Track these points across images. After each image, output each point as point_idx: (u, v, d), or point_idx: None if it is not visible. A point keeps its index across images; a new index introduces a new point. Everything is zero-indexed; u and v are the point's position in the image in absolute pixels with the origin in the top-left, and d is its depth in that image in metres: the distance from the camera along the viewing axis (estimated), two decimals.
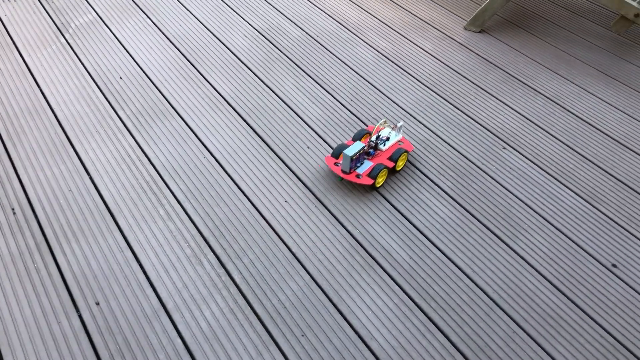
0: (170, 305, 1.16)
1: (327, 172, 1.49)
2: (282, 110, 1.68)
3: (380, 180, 1.44)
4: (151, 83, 1.75)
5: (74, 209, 1.34)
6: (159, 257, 1.25)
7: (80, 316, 1.13)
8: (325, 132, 1.61)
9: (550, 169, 1.55)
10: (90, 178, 1.43)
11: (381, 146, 1.50)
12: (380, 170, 1.42)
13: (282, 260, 1.26)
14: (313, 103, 1.72)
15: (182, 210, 1.36)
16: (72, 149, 1.50)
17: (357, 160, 1.44)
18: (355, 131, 1.62)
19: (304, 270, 1.24)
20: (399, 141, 1.55)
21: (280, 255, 1.27)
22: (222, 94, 1.73)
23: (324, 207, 1.39)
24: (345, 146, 1.49)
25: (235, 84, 1.77)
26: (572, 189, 1.50)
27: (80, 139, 1.54)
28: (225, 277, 1.22)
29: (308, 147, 1.56)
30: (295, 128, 1.62)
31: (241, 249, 1.28)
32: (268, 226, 1.34)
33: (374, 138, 1.50)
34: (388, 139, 1.53)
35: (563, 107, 1.78)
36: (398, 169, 1.49)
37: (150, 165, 1.47)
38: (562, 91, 1.85)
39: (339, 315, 1.16)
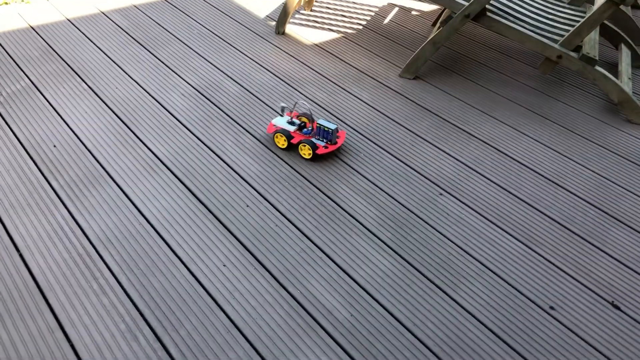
0: None
1: (267, 230, 1.48)
2: (220, 170, 1.67)
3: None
4: (86, 149, 1.72)
5: (1, 289, 1.29)
6: (92, 336, 1.20)
7: None
8: (265, 189, 1.61)
9: (487, 212, 1.58)
10: (20, 255, 1.38)
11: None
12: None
13: (220, 329, 1.23)
14: (253, 160, 1.71)
15: (116, 283, 1.32)
16: (0, 225, 1.45)
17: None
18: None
19: (244, 339, 1.22)
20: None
21: (219, 324, 1.24)
22: (159, 156, 1.71)
23: (263, 269, 1.38)
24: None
25: (173, 145, 1.76)
26: (508, 232, 1.52)
27: (9, 213, 1.49)
28: (162, 352, 1.18)
29: (247, 206, 1.55)
30: (234, 187, 1.61)
31: (178, 320, 1.25)
32: (206, 293, 1.31)
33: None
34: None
35: (497, 149, 1.83)
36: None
37: (84, 237, 1.43)
38: (495, 133, 1.90)
39: None
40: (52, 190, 1.57)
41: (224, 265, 1.38)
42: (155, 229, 1.47)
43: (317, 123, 1.73)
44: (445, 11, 2.35)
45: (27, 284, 1.30)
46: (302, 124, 1.78)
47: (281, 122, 1.79)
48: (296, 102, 1.84)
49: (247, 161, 1.71)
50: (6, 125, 1.80)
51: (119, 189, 1.59)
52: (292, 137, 1.75)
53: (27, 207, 1.51)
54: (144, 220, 1.49)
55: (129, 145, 1.75)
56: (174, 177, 1.64)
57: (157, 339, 1.21)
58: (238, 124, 1.87)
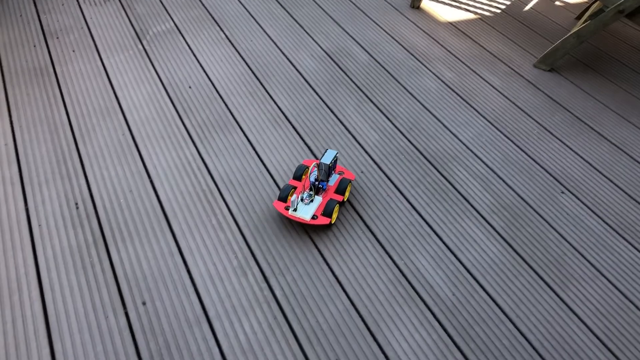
0: (212, 314, 1.19)
1: (379, 199, 1.50)
2: (340, 133, 1.70)
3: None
4: (218, 95, 1.81)
5: (132, 209, 1.40)
6: (207, 265, 1.29)
7: (126, 314, 1.18)
8: (381, 159, 1.62)
9: (609, 218, 1.50)
10: (151, 181, 1.49)
11: (327, 184, 1.46)
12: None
13: (324, 281, 1.27)
14: (372, 129, 1.73)
15: (233, 222, 1.40)
16: (137, 152, 1.57)
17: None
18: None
19: (345, 295, 1.25)
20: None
21: (323, 277, 1.28)
22: (284, 111, 1.77)
23: (371, 234, 1.40)
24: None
25: (298, 103, 1.81)
26: (630, 241, 1.44)
27: (145, 143, 1.61)
28: (267, 292, 1.24)
29: (362, 172, 1.58)
30: (351, 151, 1.64)
31: (286, 266, 1.30)
32: (314, 247, 1.35)
33: (312, 178, 1.46)
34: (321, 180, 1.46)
35: (630, 156, 1.72)
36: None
37: (209, 175, 1.52)
38: (631, 139, 1.79)
39: (376, 345, 1.16)
40: (184, 128, 1.67)
41: (334, 224, 1.42)
42: (274, 180, 1.53)
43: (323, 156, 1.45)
44: (596, 4, 2.21)
45: (155, 209, 1.41)
46: (311, 192, 1.43)
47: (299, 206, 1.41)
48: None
49: (366, 129, 1.73)
50: (150, 63, 1.93)
51: (244, 137, 1.66)
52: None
53: (160, 140, 1.62)
54: (264, 169, 1.56)
55: (257, 97, 1.82)
56: (295, 132, 1.69)
57: (265, 280, 1.27)
58: (362, 91, 1.89)
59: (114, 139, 1.61)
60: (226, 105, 1.78)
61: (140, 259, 1.29)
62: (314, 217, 1.37)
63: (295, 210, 1.37)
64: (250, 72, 1.93)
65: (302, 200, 1.40)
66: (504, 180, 1.59)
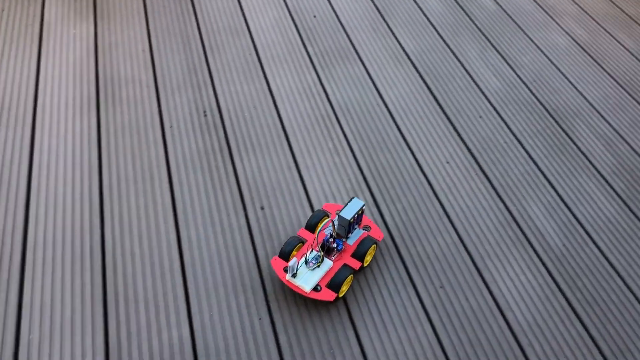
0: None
1: (495, 144, 1.48)
2: (461, 76, 1.68)
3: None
4: (341, 26, 1.83)
5: (256, 124, 1.47)
6: (321, 184, 1.34)
7: (246, 215, 1.25)
8: (500, 106, 1.59)
9: None
10: (274, 100, 1.55)
11: (346, 241, 1.16)
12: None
13: (433, 215, 1.29)
14: (494, 76, 1.70)
15: (348, 147, 1.44)
16: (261, 72, 1.63)
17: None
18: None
19: (454, 230, 1.27)
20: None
21: (433, 211, 1.30)
22: (406, 49, 1.77)
23: (484, 177, 1.39)
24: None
25: (420, 42, 1.80)
26: None
27: (270, 64, 1.66)
28: (377, 217, 1.28)
29: (480, 117, 1.56)
30: (471, 95, 1.62)
31: (396, 195, 1.33)
32: (426, 181, 1.37)
33: (327, 232, 1.15)
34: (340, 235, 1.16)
35: None
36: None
37: (327, 101, 1.56)
38: None
39: (480, 280, 1.18)
40: (306, 55, 1.71)
41: (447, 162, 1.42)
42: (390, 112, 1.54)
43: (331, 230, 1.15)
44: None
45: (276, 126, 1.47)
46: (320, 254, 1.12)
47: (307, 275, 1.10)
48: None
49: (488, 75, 1.70)
50: None
51: (363, 69, 1.68)
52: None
53: (284, 63, 1.67)
54: (381, 101, 1.58)
55: (380, 33, 1.83)
56: (415, 71, 1.69)
57: (375, 204, 1.30)
58: (487, 38, 1.84)
59: (241, 57, 1.68)
60: (348, 37, 1.79)
61: (260, 168, 1.36)
62: (316, 288, 1.08)
63: (294, 275, 1.08)
64: (374, 7, 1.93)
65: (306, 262, 1.09)
66: (629, 144, 1.52)
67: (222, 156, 1.38)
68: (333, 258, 1.13)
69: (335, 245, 1.14)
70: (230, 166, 1.36)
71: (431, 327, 1.09)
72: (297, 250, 1.13)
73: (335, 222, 1.15)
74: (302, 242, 1.14)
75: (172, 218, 1.24)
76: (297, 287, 1.07)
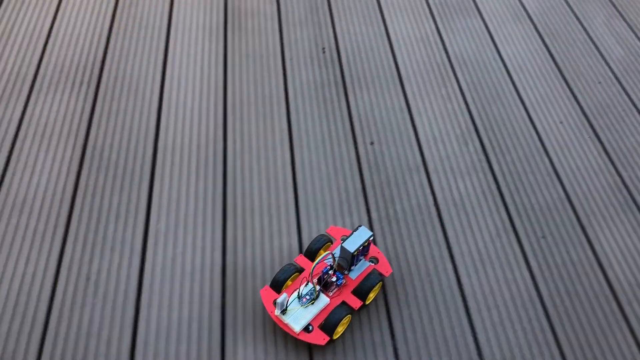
0: (430, 167, 1.28)
1: (613, 111, 1.45)
2: (582, 41, 1.64)
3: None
4: None
5: (372, 64, 1.51)
6: (432, 128, 1.37)
7: (356, 148, 1.31)
8: (622, 74, 1.55)
9: None
10: (390, 44, 1.58)
11: (347, 275, 1.02)
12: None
13: (542, 170, 1.30)
14: (618, 44, 1.64)
15: (461, 96, 1.45)
16: (381, 17, 1.66)
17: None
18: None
19: (561, 187, 1.27)
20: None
21: (542, 166, 1.30)
22: (527, 8, 1.74)
23: (597, 141, 1.37)
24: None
25: (543, 4, 1.76)
26: None
27: (390, 10, 1.69)
28: (485, 164, 1.30)
29: (599, 82, 1.52)
30: (591, 61, 1.58)
31: (506, 147, 1.34)
32: (537, 137, 1.37)
33: (328, 264, 0.99)
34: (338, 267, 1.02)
35: None
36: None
37: (444, 51, 1.57)
38: None
39: (584, 236, 1.18)
40: (427, 5, 1.72)
41: (561, 122, 1.41)
42: (506, 67, 1.54)
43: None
44: None
45: (391, 69, 1.50)
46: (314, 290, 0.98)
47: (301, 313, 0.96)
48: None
49: (611, 42, 1.64)
50: None
51: (482, 24, 1.67)
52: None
53: (404, 11, 1.69)
54: (498, 57, 1.57)
55: None
56: (535, 31, 1.66)
57: (484, 153, 1.32)
58: (614, 5, 1.77)
59: (362, 1, 1.71)
60: None
61: (373, 106, 1.40)
62: (307, 328, 0.94)
63: (283, 312, 0.95)
64: None
65: (299, 297, 0.96)
66: None
67: (337, 90, 1.43)
68: (331, 294, 0.98)
69: (334, 279, 0.99)
70: (344, 100, 1.41)
71: (529, 272, 1.11)
72: (292, 281, 1.00)
73: (337, 254, 1.01)
74: (299, 270, 1.01)
75: (288, 141, 1.31)
76: (285, 325, 0.94)
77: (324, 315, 0.96)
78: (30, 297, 1.01)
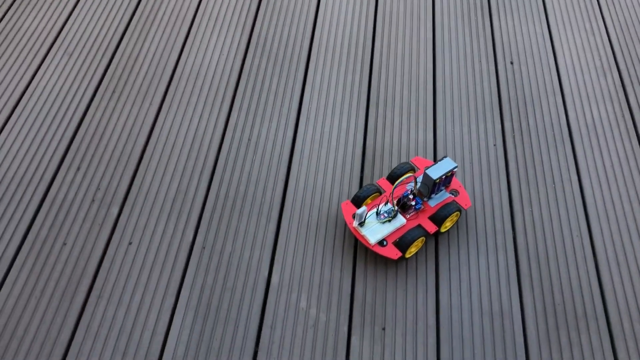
0: (566, 91, 1.33)
1: None
2: None
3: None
4: None
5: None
6: (572, 55, 1.40)
7: (495, 65, 1.38)
8: None
9: None
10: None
11: (426, 202, 1.06)
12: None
13: None
14: None
15: (605, 32, 1.47)
16: None
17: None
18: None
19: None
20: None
21: None
22: None
23: None
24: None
25: None
26: None
27: None
28: (622, 95, 1.33)
29: None
30: None
31: None
32: None
33: (409, 187, 1.05)
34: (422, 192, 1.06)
35: None
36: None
37: None
38: None
39: None
40: None
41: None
42: None
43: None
44: None
45: (538, 2, 1.55)
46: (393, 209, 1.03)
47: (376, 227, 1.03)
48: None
49: None
50: None
51: None
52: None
53: None
54: None
55: None
56: None
57: (622, 86, 1.35)
58: None
59: None
60: None
61: (515, 31, 1.46)
62: (381, 242, 1.00)
63: (361, 224, 1.02)
64: None
65: (377, 214, 1.02)
66: None
67: (482, 13, 1.50)
68: (408, 216, 1.04)
69: (413, 203, 1.04)
70: (489, 23, 1.48)
71: None
72: (372, 199, 1.06)
73: (419, 179, 1.05)
74: (380, 192, 1.07)
75: (432, 51, 1.40)
76: (362, 236, 1.00)
77: (399, 234, 1.01)
78: (203, 145, 1.19)
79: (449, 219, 1.03)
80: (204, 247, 1.04)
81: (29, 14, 1.43)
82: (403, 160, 1.18)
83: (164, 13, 1.46)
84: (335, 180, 1.15)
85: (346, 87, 1.31)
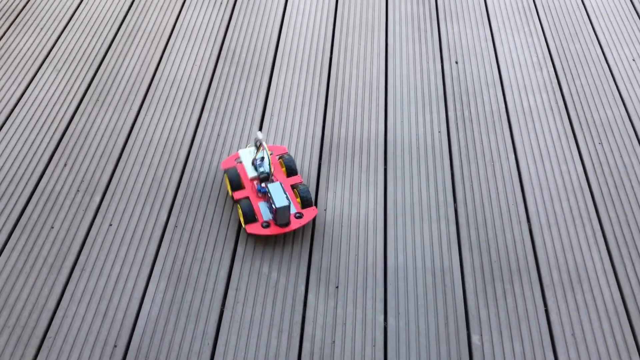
0: (506, 83, 1.47)
1: None
2: None
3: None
4: None
5: (463, 3, 1.72)
6: (511, 53, 1.56)
7: (442, 64, 1.53)
8: None
9: None
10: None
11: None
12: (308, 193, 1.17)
13: (608, 95, 1.45)
14: None
15: (542, 33, 1.62)
16: None
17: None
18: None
19: (624, 108, 1.42)
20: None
21: (609, 92, 1.46)
22: None
23: None
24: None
25: None
26: None
27: None
28: (556, 86, 1.47)
29: None
30: None
31: (577, 74, 1.50)
32: (608, 69, 1.52)
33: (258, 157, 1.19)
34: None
35: None
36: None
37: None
38: None
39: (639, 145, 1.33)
40: None
41: (633, 60, 1.55)
42: (587, 12, 1.69)
43: (267, 186, 1.14)
44: None
45: (480, 5, 1.71)
46: (265, 175, 1.17)
47: (247, 158, 1.20)
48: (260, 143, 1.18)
49: None
50: None
51: None
52: (241, 188, 1.19)
53: None
54: (581, 4, 1.72)
55: None
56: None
57: (556, 77, 1.49)
58: None
59: None
60: None
61: (461, 34, 1.62)
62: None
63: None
64: None
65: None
66: None
67: (430, 21, 1.66)
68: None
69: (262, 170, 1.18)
70: (436, 29, 1.63)
71: (582, 167, 1.28)
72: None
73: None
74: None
75: (384, 55, 1.55)
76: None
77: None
78: (176, 140, 1.33)
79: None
80: (176, 226, 1.17)
81: (22, 37, 1.59)
82: (356, 153, 1.32)
83: (144, 30, 1.61)
84: (297, 167, 1.28)
85: (307, 88, 1.46)
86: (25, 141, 1.32)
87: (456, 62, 1.53)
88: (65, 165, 1.27)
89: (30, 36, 1.60)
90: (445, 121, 1.38)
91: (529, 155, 1.31)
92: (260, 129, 1.36)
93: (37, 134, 1.34)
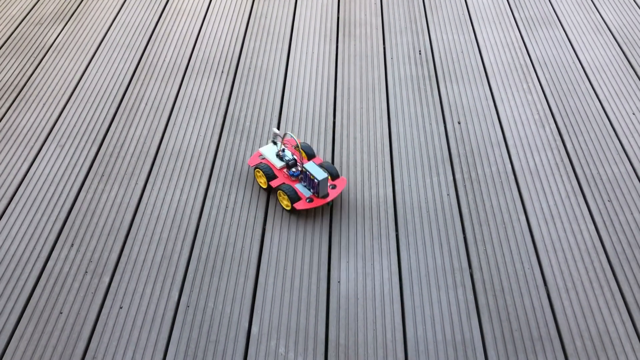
0: (510, 143, 1.48)
1: None
2: None
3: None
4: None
5: (461, 64, 1.75)
6: (512, 112, 1.57)
7: (445, 126, 1.54)
8: None
9: None
10: (479, 49, 1.81)
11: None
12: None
13: (612, 151, 1.46)
14: None
15: (541, 89, 1.65)
16: (471, 27, 1.91)
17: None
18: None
19: (629, 164, 1.42)
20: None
21: (613, 148, 1.47)
22: (608, 22, 1.91)
23: None
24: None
25: (624, 18, 1.93)
26: None
27: (479, 22, 1.93)
28: (559, 143, 1.48)
29: None
30: None
31: (579, 131, 1.52)
32: (609, 124, 1.53)
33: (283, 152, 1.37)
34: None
35: None
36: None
37: (527, 55, 1.78)
38: None
39: None
40: (513, 19, 1.95)
41: (634, 114, 1.57)
42: (583, 68, 1.72)
43: (304, 167, 1.29)
44: None
45: (479, 67, 1.74)
46: (293, 161, 1.35)
47: (270, 153, 1.38)
48: (285, 133, 1.35)
49: None
50: None
51: (564, 34, 1.87)
52: (275, 177, 1.34)
53: (492, 23, 1.92)
54: (577, 61, 1.76)
55: (583, 4, 1.99)
56: (615, 43, 1.83)
57: (559, 134, 1.51)
58: None
59: (455, 15, 1.96)
60: (552, 6, 1.99)
61: (461, 95, 1.63)
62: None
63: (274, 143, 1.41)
64: None
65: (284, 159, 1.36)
66: None
67: (430, 82, 1.68)
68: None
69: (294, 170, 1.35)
70: (436, 89, 1.65)
71: (594, 226, 1.28)
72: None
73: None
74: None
75: (386, 118, 1.56)
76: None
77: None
78: (185, 214, 1.31)
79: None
80: (188, 306, 1.14)
81: (25, 113, 1.59)
82: (364, 216, 1.31)
83: (147, 102, 1.62)
84: (307, 239, 1.26)
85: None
86: (30, 221, 1.30)
87: (459, 123, 1.54)
88: (72, 245, 1.25)
89: (33, 112, 1.60)
90: (453, 183, 1.38)
91: (539, 215, 1.30)
92: (268, 194, 1.35)
93: (43, 213, 1.32)
